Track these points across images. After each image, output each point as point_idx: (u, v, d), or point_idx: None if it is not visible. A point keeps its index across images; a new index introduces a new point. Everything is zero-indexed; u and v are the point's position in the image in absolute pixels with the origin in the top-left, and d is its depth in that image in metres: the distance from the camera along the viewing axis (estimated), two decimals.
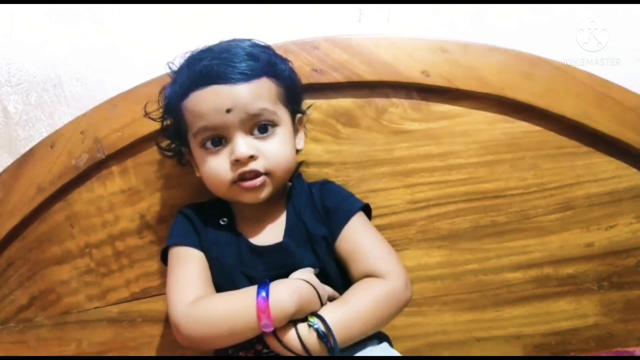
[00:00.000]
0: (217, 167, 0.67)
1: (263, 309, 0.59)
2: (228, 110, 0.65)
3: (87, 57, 0.89)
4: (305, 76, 0.81)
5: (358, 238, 0.69)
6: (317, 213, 0.71)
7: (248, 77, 0.66)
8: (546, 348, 0.82)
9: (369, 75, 0.82)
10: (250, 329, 0.61)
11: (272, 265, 0.68)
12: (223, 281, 0.69)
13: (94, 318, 0.82)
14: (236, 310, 0.62)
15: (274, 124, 0.68)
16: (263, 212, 0.72)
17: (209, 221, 0.72)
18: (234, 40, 0.71)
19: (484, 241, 0.82)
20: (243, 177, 0.67)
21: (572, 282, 0.82)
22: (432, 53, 0.82)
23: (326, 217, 0.71)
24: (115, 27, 0.88)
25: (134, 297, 0.82)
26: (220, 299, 0.65)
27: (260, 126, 0.68)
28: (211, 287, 0.68)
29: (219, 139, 0.67)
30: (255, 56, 0.68)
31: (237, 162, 0.66)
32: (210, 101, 0.65)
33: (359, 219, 0.71)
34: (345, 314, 0.63)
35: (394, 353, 0.67)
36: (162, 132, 0.77)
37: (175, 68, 0.73)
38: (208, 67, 0.66)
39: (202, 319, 0.63)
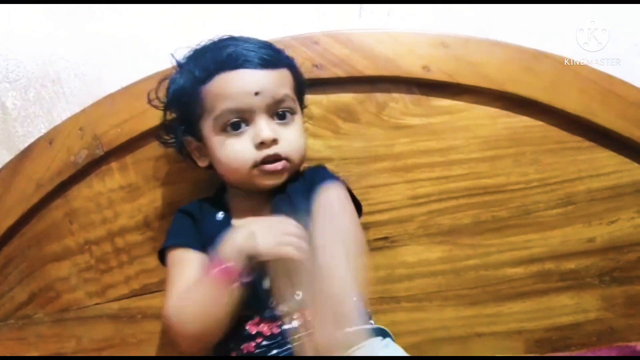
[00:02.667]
0: (239, 149, 0.68)
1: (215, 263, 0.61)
2: (257, 93, 0.67)
3: (85, 53, 0.88)
4: (306, 71, 0.80)
5: (326, 201, 0.67)
6: (305, 190, 0.71)
7: (273, 64, 0.69)
8: (547, 343, 0.81)
9: (369, 70, 0.81)
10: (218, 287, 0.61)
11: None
12: None
13: (94, 314, 0.82)
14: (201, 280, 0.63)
15: (293, 112, 0.71)
16: (260, 204, 0.72)
17: (207, 216, 0.72)
18: (242, 36, 0.72)
19: (485, 236, 0.82)
20: (264, 158, 0.68)
21: (574, 277, 0.82)
22: (432, 48, 0.81)
23: (309, 191, 0.70)
24: (114, 23, 0.87)
25: (134, 294, 0.82)
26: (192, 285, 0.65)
27: (280, 113, 0.70)
28: None
29: (239, 123, 0.68)
30: (275, 48, 0.72)
31: (261, 145, 0.68)
32: (238, 83, 0.67)
33: (333, 185, 0.70)
34: None
35: (399, 350, 0.66)
36: (165, 122, 0.76)
37: (179, 59, 0.73)
38: (236, 52, 0.68)
39: (185, 307, 0.63)
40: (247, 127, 0.68)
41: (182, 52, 0.73)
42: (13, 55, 0.88)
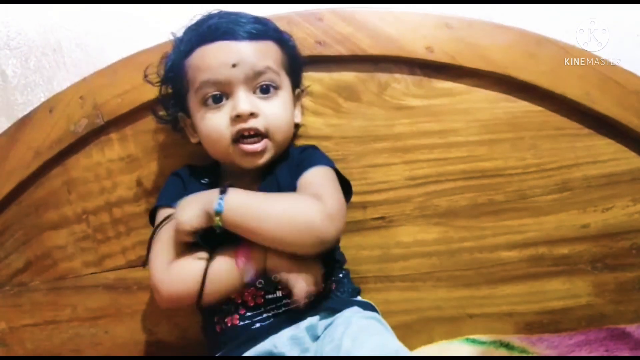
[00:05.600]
0: (217, 122, 0.67)
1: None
2: (234, 65, 0.66)
3: (87, 23, 0.88)
4: (309, 48, 0.80)
5: (312, 178, 0.68)
6: (292, 169, 0.71)
7: (255, 36, 0.68)
8: (538, 326, 0.82)
9: (372, 49, 0.81)
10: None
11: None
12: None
13: (90, 284, 0.82)
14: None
15: (276, 87, 0.69)
16: (249, 182, 0.71)
17: (193, 181, 0.73)
18: (233, 11, 0.72)
19: (480, 219, 0.83)
20: (242, 134, 0.67)
21: (566, 263, 0.83)
22: (436, 29, 0.81)
23: (296, 170, 0.70)
24: None
25: (130, 265, 0.82)
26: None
27: (263, 87, 0.68)
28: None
29: (220, 97, 0.67)
30: (263, 21, 0.71)
31: (237, 118, 0.66)
32: (216, 55, 0.66)
33: (322, 168, 0.69)
34: (249, 198, 0.63)
35: (375, 320, 0.67)
36: (160, 97, 0.76)
37: (179, 36, 0.73)
38: (216, 24, 0.68)
39: (180, 280, 0.63)
40: (227, 101, 0.67)
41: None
42: (14, 22, 0.87)
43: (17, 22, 0.88)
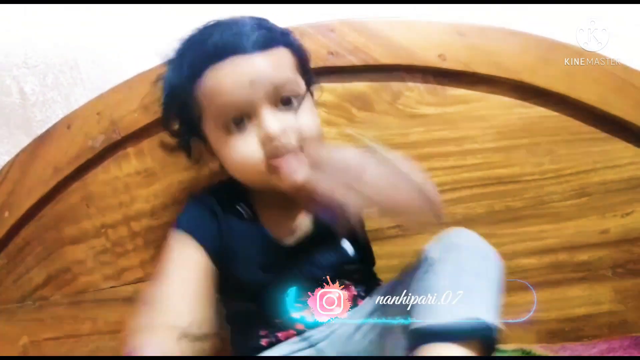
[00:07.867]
0: (245, 149, 0.61)
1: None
2: (251, 83, 0.59)
3: (103, 40, 0.89)
4: (321, 59, 0.81)
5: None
6: None
7: (265, 45, 0.61)
8: (560, 334, 0.81)
9: (384, 58, 0.81)
10: None
11: (299, 265, 0.66)
12: (242, 274, 0.66)
13: (110, 297, 0.83)
14: None
15: (298, 95, 0.63)
16: (289, 199, 0.65)
17: (229, 212, 0.67)
18: (232, 17, 0.65)
19: (498, 226, 0.82)
20: (276, 154, 0.60)
21: (587, 269, 0.82)
22: (448, 36, 0.81)
23: None
24: (132, 10, 0.88)
25: (149, 277, 0.83)
26: None
27: (285, 99, 0.62)
28: (204, 305, 0.62)
29: (241, 118, 0.61)
30: (267, 26, 0.64)
31: (268, 140, 0.60)
32: (230, 75, 0.59)
33: None
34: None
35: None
36: (164, 124, 0.70)
37: (169, 56, 0.67)
38: (222, 40, 0.60)
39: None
40: (250, 122, 0.61)
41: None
42: (31, 41, 0.89)
43: (34, 40, 0.89)
